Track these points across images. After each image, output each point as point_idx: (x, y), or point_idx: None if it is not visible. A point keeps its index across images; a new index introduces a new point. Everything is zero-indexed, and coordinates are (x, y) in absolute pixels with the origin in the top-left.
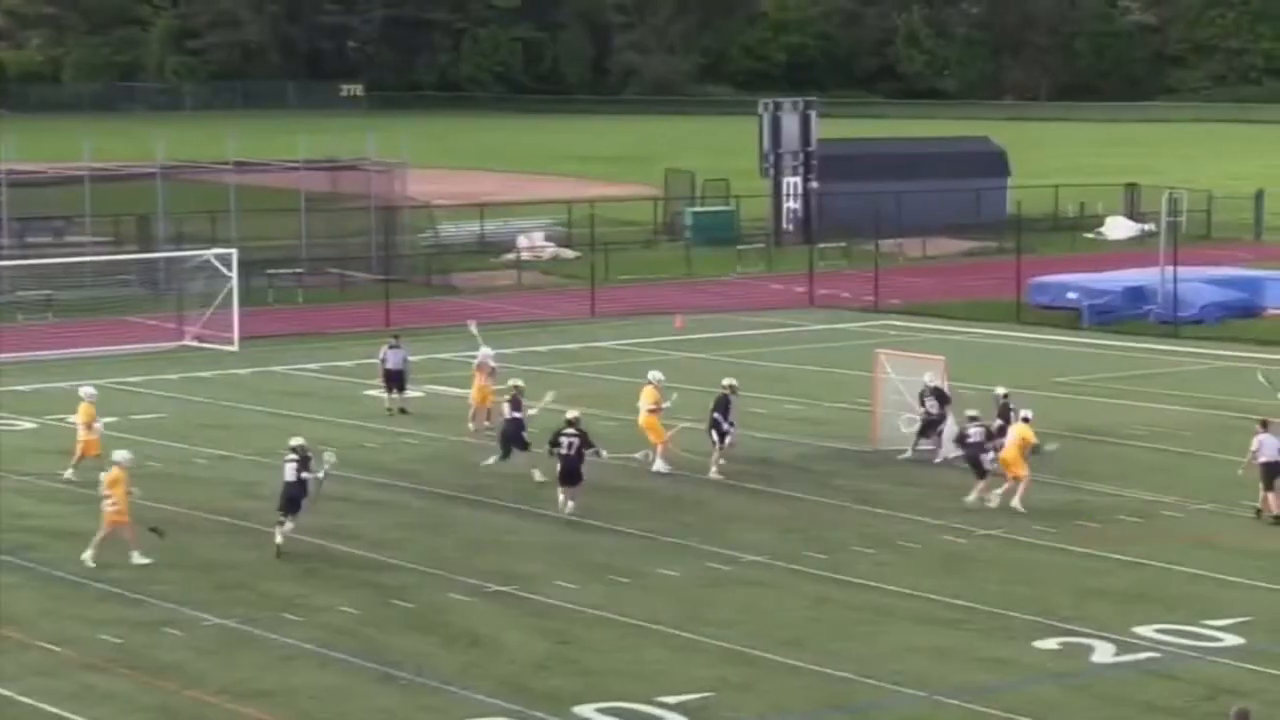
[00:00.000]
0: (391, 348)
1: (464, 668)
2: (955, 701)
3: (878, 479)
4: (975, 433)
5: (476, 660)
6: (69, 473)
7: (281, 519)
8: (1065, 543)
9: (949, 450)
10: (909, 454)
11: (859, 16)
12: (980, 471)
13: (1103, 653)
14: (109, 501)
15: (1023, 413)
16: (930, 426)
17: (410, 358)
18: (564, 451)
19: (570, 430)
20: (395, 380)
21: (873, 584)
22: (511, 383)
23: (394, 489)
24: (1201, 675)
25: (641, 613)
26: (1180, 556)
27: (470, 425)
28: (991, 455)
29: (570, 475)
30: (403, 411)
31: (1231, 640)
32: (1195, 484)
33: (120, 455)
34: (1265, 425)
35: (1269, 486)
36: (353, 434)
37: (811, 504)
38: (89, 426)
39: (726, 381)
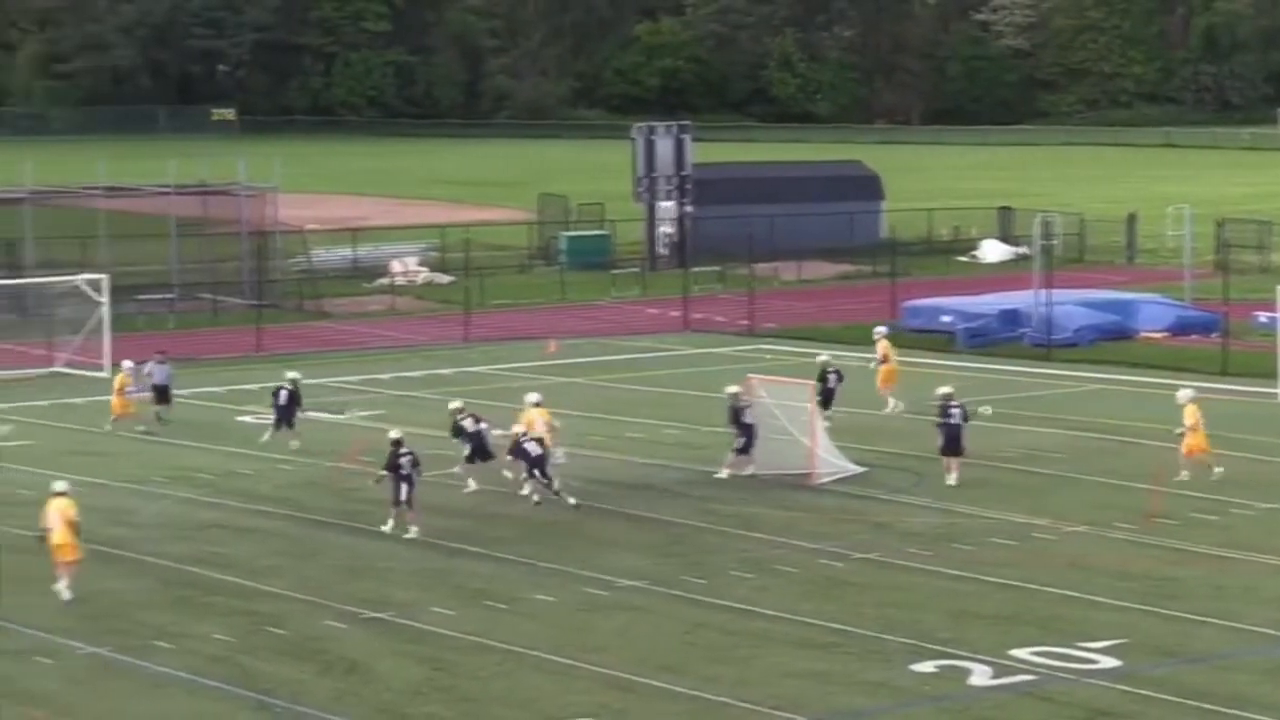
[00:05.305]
0: (158, 363)
1: (338, 695)
2: None
3: (755, 503)
4: (955, 413)
5: (351, 688)
6: None
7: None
8: (940, 565)
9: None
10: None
11: (732, 40)
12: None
13: (980, 675)
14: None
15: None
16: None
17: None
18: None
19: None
20: (162, 394)
21: (750, 608)
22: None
23: (268, 515)
24: (1078, 698)
25: (518, 638)
26: (1054, 579)
27: (108, 426)
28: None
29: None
30: (160, 420)
31: (1108, 662)
32: (1068, 506)
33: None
34: None
35: None
36: (226, 460)
37: (689, 528)
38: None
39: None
